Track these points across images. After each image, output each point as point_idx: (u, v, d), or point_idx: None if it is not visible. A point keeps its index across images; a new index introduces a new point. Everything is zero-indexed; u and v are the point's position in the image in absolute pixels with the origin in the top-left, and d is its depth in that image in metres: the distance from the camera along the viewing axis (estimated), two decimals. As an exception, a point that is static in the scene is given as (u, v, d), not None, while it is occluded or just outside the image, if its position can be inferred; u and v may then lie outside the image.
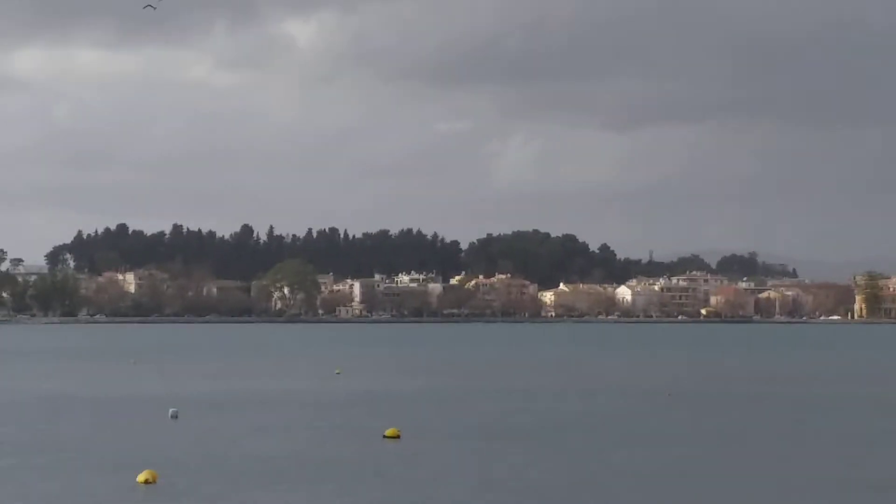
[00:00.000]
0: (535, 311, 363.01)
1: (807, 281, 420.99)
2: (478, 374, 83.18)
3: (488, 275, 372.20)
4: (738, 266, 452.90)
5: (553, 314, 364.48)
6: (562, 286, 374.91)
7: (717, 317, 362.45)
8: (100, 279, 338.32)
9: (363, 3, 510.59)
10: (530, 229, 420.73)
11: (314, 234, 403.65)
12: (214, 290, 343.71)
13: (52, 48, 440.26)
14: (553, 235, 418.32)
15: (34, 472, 33.38)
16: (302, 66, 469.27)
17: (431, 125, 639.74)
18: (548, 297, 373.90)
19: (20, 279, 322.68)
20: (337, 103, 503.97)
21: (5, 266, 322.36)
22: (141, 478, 31.62)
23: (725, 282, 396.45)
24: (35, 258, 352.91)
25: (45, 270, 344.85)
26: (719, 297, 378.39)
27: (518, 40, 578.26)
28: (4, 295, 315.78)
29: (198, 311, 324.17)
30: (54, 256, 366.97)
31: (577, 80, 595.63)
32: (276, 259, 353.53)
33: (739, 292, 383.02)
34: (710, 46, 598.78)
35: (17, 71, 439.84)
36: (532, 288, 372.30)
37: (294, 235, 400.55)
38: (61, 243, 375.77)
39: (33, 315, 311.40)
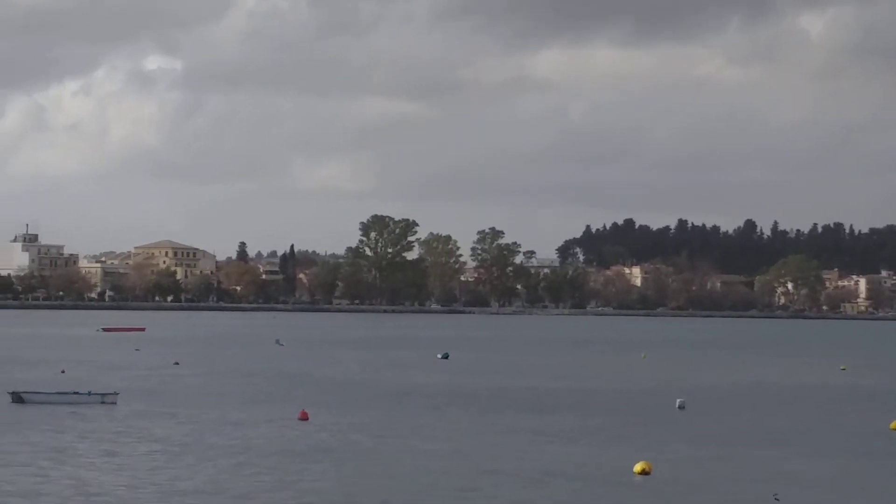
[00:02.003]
0: None
1: None
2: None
3: None
4: None
5: None
6: None
7: None
8: (607, 273, 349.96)
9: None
10: None
11: (819, 230, 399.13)
12: (718, 284, 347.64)
13: (571, 49, 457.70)
14: None
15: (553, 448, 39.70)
16: (812, 60, 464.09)
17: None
18: None
19: (533, 272, 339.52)
20: (845, 98, 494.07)
21: (519, 259, 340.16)
22: (637, 468, 32.51)
23: None
24: (547, 252, 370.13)
25: (556, 264, 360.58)
26: None
27: None
28: (519, 287, 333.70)
29: (701, 304, 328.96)
30: (565, 250, 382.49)
31: None
32: (779, 254, 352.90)
33: None
34: None
35: (538, 72, 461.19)
36: None
37: (798, 231, 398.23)
38: (571, 237, 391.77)
39: (545, 306, 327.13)
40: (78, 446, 36.13)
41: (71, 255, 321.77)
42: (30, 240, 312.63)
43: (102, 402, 47.93)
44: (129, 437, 38.51)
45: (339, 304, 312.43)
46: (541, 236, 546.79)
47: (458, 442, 38.79)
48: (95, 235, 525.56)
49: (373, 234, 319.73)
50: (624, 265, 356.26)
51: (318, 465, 33.12)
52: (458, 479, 31.34)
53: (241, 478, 30.98)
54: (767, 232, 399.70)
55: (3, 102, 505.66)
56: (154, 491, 28.85)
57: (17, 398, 47.74)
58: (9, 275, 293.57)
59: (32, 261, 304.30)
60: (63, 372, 67.41)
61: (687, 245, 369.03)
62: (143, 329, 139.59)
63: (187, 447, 36.33)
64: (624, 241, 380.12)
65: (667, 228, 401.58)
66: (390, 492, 29.38)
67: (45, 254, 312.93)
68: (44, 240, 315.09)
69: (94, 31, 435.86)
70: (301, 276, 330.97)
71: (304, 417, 44.05)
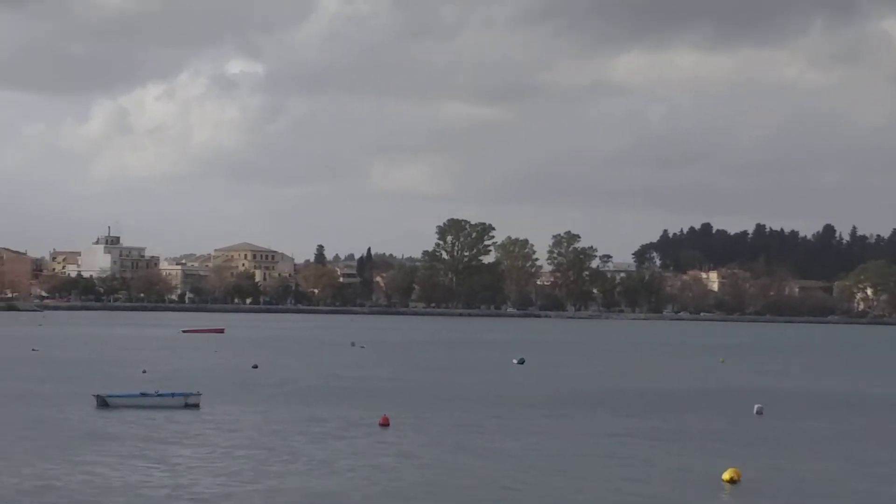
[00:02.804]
0: None
1: None
2: None
3: None
4: None
5: None
6: None
7: None
8: (684, 277, 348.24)
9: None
10: None
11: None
12: (796, 289, 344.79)
13: (651, 52, 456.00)
14: None
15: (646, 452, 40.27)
16: (895, 63, 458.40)
17: None
18: None
19: (609, 276, 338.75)
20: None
21: (596, 263, 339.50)
22: (726, 476, 32.49)
23: None
24: (624, 256, 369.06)
25: (633, 268, 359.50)
26: None
27: None
28: (595, 291, 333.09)
29: (779, 310, 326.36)
30: (641, 254, 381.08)
31: None
32: (858, 259, 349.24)
33: None
34: None
35: (617, 76, 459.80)
36: None
37: (878, 236, 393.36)
38: (648, 242, 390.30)
39: (621, 311, 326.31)
40: (164, 449, 36.85)
41: (152, 257, 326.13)
42: (112, 242, 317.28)
43: (186, 405, 48.82)
44: (213, 440, 39.22)
45: (416, 307, 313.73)
46: (617, 240, 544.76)
47: (538, 445, 39.17)
48: (176, 238, 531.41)
49: (449, 238, 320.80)
50: (701, 270, 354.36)
51: (399, 470, 33.63)
52: (543, 483, 31.79)
53: (326, 481, 31.55)
54: (846, 237, 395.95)
55: (89, 106, 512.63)
56: (242, 493, 29.52)
57: (102, 402, 48.63)
58: (91, 276, 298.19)
59: (114, 263, 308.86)
60: (144, 372, 68.72)
61: (765, 250, 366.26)
62: (221, 331, 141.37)
63: (273, 450, 36.92)
64: (701, 245, 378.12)
65: (744, 233, 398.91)
66: (479, 496, 29.94)
67: (127, 256, 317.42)
68: (126, 242, 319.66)
69: (178, 36, 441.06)
70: (378, 279, 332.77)
71: (385, 423, 44.46)
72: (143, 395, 50.23)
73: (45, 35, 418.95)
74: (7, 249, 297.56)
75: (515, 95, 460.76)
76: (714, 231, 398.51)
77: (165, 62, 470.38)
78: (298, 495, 29.41)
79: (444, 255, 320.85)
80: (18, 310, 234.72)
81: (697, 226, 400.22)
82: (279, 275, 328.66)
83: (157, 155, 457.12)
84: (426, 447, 38.60)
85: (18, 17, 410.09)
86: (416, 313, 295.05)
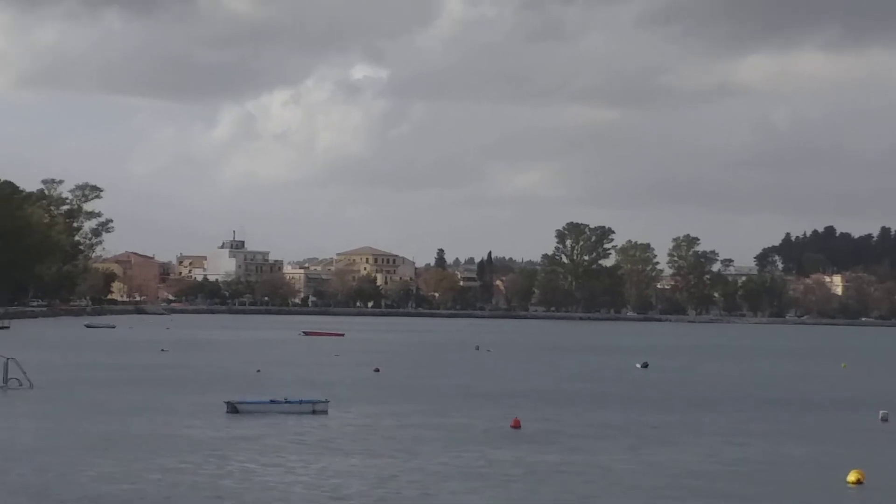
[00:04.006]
0: None
1: None
2: None
3: None
4: None
5: None
6: None
7: None
8: (807, 281, 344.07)
9: None
10: None
11: None
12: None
13: (777, 54, 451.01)
14: None
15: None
16: None
17: None
18: None
19: (730, 279, 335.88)
20: None
21: (717, 267, 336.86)
22: (851, 477, 32.41)
23: None
24: (745, 259, 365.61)
25: (755, 272, 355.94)
26: None
27: None
28: (716, 295, 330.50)
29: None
30: (763, 258, 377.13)
31: None
32: None
33: None
34: None
35: (740, 77, 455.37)
36: None
37: None
38: (770, 245, 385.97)
39: (742, 315, 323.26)
40: (299, 454, 37.62)
41: (276, 261, 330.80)
42: (237, 246, 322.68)
43: (314, 412, 49.88)
44: (345, 445, 39.83)
45: (535, 310, 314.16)
46: (739, 244, 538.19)
47: (661, 448, 39.61)
48: (299, 242, 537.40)
49: (569, 242, 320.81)
50: (824, 273, 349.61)
51: (537, 475, 33.86)
52: (670, 486, 32.42)
53: (463, 485, 32.02)
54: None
55: (216, 111, 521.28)
56: (381, 497, 30.29)
57: (233, 408, 49.87)
58: (217, 280, 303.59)
59: (239, 267, 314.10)
60: (259, 371, 70.16)
61: (890, 253, 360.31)
62: (342, 335, 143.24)
63: (411, 454, 37.52)
64: (824, 248, 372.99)
65: (869, 236, 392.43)
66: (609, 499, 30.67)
67: (252, 260, 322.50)
68: (250, 246, 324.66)
69: (304, 42, 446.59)
70: (498, 282, 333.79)
71: (517, 425, 44.93)
72: (272, 401, 51.36)
73: (176, 43, 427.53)
74: (136, 254, 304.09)
75: (637, 97, 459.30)
76: (837, 234, 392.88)
77: (292, 68, 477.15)
78: (439, 501, 30.05)
79: (564, 259, 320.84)
80: (146, 313, 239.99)
81: (820, 229, 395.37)
82: (400, 278, 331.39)
83: (282, 160, 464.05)
84: (557, 451, 38.98)
85: (151, 24, 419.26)
86: (535, 317, 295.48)
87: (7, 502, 28.18)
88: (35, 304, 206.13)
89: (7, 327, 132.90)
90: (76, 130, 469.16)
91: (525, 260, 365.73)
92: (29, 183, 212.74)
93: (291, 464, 35.10)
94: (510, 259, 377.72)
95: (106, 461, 34.30)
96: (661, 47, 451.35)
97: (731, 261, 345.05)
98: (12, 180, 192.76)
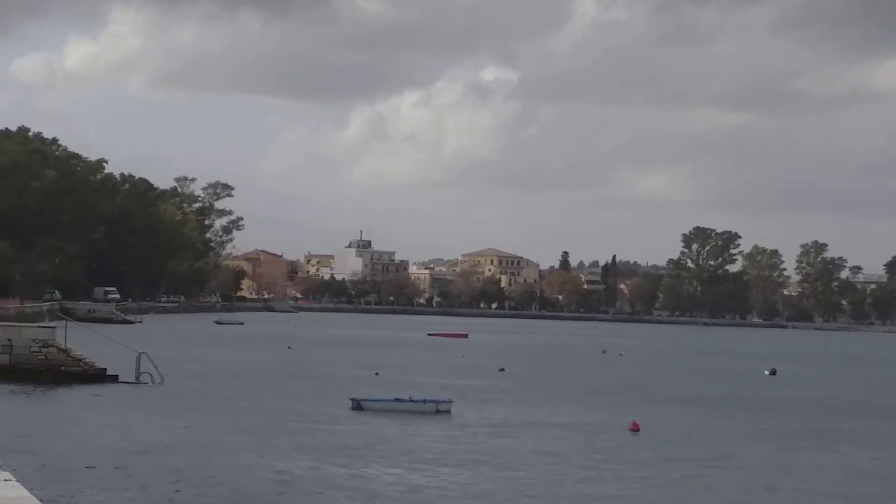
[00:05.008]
0: None
1: None
2: None
3: None
4: None
5: None
6: None
7: None
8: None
9: None
10: None
11: None
12: None
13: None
14: None
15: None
16: None
17: None
18: None
19: (859, 287, 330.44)
20: None
21: (845, 274, 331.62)
22: None
23: None
24: (874, 267, 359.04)
25: (884, 279, 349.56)
26: None
27: None
28: (844, 303, 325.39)
29: None
30: (893, 266, 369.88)
31: None
32: None
33: None
34: None
35: (875, 82, 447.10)
36: None
37: None
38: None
39: (871, 323, 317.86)
40: (425, 452, 38.32)
41: (402, 261, 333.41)
42: (364, 246, 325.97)
43: (437, 411, 50.69)
44: (468, 445, 40.46)
45: (659, 315, 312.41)
46: (868, 251, 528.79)
47: (785, 452, 39.97)
48: (425, 242, 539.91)
49: (695, 246, 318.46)
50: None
51: (651, 477, 34.29)
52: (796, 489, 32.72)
53: (587, 487, 32.66)
54: None
55: (347, 112, 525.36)
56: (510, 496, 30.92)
57: (357, 405, 50.91)
58: (343, 279, 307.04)
59: (365, 266, 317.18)
60: (377, 374, 71.04)
61: None
62: (465, 336, 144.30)
63: (537, 454, 38.05)
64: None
65: None
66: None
67: (378, 260, 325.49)
68: (377, 246, 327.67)
69: (436, 44, 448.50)
70: (622, 286, 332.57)
71: (636, 428, 45.24)
72: (397, 400, 52.27)
73: (310, 44, 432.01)
74: (265, 252, 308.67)
75: (769, 102, 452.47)
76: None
77: (423, 70, 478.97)
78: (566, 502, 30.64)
79: (689, 264, 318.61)
80: (274, 310, 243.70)
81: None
82: (524, 280, 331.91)
83: (410, 161, 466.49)
84: (675, 453, 39.30)
85: (286, 25, 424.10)
86: (659, 321, 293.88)
87: (156, 499, 28.90)
88: (166, 300, 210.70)
89: (140, 322, 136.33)
90: (209, 129, 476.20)
91: (650, 264, 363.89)
92: (162, 181, 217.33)
93: (416, 463, 35.64)
94: (634, 263, 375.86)
95: (240, 456, 35.19)
96: (795, 51, 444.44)
97: (860, 268, 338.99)
98: (147, 178, 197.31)
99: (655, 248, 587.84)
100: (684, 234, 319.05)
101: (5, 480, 7.94)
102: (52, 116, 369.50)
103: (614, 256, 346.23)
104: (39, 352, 56.64)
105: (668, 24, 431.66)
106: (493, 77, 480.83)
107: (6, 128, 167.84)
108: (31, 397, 50.76)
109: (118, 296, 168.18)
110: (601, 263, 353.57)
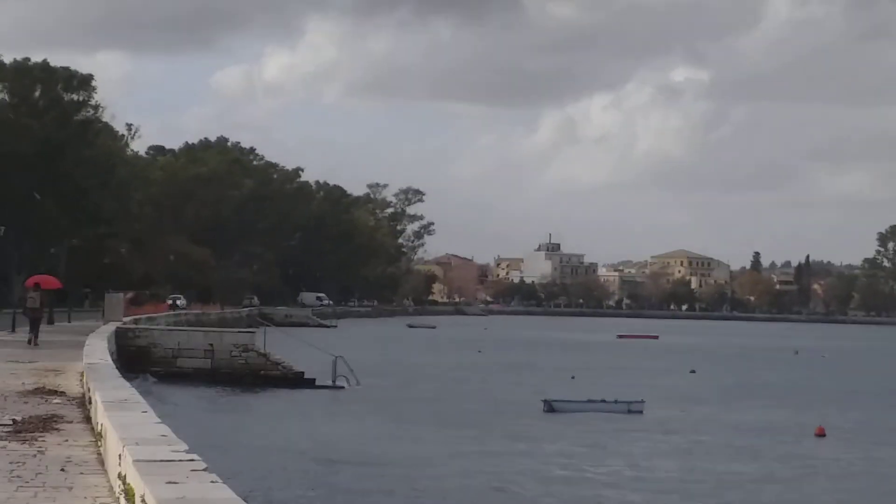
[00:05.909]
0: None
1: None
2: None
3: None
4: None
5: None
6: None
7: None
8: None
9: None
10: None
11: None
12: None
13: None
14: None
15: None
16: None
17: None
18: None
19: None
20: None
21: None
22: None
23: None
24: None
25: None
26: None
27: None
28: None
29: None
30: None
31: None
32: None
33: None
34: None
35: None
36: None
37: None
38: None
39: None
40: (615, 449, 38.93)
41: (591, 263, 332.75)
42: (553, 249, 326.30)
43: (629, 412, 50.90)
44: (661, 446, 40.83)
45: (855, 315, 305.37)
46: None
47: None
48: (614, 244, 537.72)
49: (891, 245, 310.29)
50: None
51: (833, 483, 34.15)
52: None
53: (773, 489, 32.72)
54: None
55: (538, 116, 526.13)
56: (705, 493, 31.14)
57: (549, 407, 51.39)
58: (533, 282, 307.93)
59: (555, 269, 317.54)
60: (573, 378, 71.26)
61: None
62: (656, 337, 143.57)
63: (728, 456, 38.09)
64: None
65: None
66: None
67: (567, 262, 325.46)
68: (566, 249, 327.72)
69: (625, 46, 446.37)
70: (816, 286, 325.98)
71: (821, 433, 44.83)
72: (589, 401, 52.49)
73: (502, 50, 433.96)
74: (456, 256, 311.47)
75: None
76: None
77: (614, 72, 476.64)
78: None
79: (886, 263, 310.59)
80: (465, 314, 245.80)
81: None
82: (715, 282, 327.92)
83: (600, 163, 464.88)
84: (859, 460, 38.89)
85: (479, 32, 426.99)
86: (855, 322, 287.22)
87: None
88: (359, 304, 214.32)
89: (335, 326, 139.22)
90: (402, 136, 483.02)
91: (844, 264, 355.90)
92: (356, 187, 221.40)
93: (611, 462, 36.03)
94: (828, 263, 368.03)
95: (442, 461, 35.55)
96: None
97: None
98: (341, 185, 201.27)
99: (850, 247, 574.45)
100: (880, 233, 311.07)
101: (212, 482, 8.64)
102: (251, 126, 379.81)
103: (808, 256, 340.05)
104: (240, 356, 58.57)
105: (866, 20, 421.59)
106: (684, 77, 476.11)
107: (206, 138, 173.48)
108: (231, 400, 52.44)
109: (330, 301, 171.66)
110: (793, 264, 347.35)
